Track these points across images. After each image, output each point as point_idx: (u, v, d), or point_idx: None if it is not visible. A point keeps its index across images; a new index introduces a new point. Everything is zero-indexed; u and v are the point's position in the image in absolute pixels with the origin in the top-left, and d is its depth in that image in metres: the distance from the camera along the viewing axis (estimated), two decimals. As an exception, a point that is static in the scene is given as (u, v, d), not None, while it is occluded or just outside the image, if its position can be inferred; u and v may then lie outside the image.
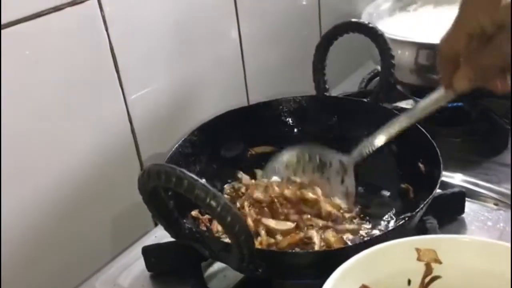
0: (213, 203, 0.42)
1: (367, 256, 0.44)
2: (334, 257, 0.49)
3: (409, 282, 0.45)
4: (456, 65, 0.53)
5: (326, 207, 0.60)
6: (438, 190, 0.62)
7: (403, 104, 0.89)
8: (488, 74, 0.51)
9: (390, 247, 0.45)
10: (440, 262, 0.45)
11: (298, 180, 0.64)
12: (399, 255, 0.45)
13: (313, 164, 0.66)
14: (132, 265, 0.64)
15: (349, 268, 0.43)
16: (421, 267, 0.45)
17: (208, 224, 0.61)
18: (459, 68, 0.53)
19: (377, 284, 0.44)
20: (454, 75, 0.53)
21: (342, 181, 0.64)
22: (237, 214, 0.43)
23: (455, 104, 0.82)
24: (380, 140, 0.61)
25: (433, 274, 0.45)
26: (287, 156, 0.67)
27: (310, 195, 0.60)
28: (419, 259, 0.45)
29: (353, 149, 0.63)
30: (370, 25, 0.67)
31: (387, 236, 0.49)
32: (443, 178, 0.69)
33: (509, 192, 0.67)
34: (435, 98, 0.58)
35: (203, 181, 0.42)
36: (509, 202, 0.66)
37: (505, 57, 0.48)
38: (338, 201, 0.62)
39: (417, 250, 0.45)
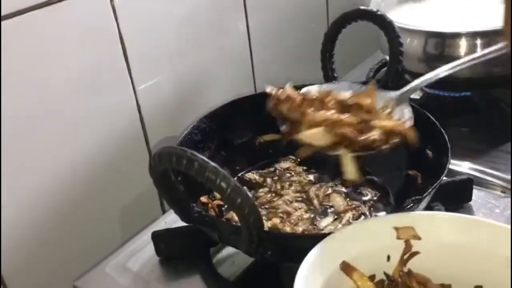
0: (224, 184, 0.42)
1: (346, 233, 0.46)
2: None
3: (388, 258, 0.46)
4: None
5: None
6: (446, 178, 0.62)
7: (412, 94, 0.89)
8: None
9: (368, 224, 0.47)
10: (419, 238, 0.46)
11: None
12: (377, 232, 0.46)
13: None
14: (142, 250, 0.64)
15: (327, 246, 0.44)
16: (400, 244, 0.46)
17: (217, 210, 0.62)
18: None
19: (356, 260, 0.45)
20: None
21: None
22: (247, 196, 0.43)
23: (463, 94, 0.82)
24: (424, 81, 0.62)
25: (412, 250, 0.46)
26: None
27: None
28: (398, 237, 0.46)
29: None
30: (379, 12, 0.67)
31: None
32: (451, 166, 0.69)
33: (517, 180, 0.68)
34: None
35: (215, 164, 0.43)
36: (517, 190, 0.67)
37: None
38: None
39: (396, 229, 0.46)
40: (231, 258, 0.62)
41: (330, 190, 0.66)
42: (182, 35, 0.74)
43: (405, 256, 0.46)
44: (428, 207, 0.59)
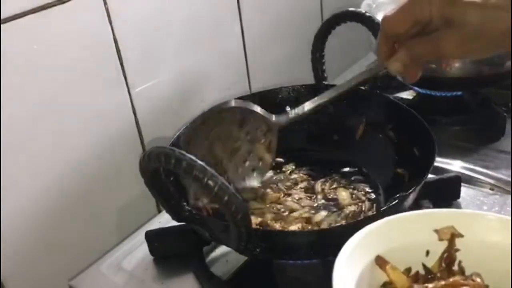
0: (211, 183, 0.43)
1: (383, 226, 0.45)
2: (331, 236, 0.50)
3: (427, 253, 0.46)
4: (393, 45, 0.52)
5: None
6: (434, 176, 0.63)
7: (403, 94, 0.90)
8: (414, 63, 0.51)
9: (406, 218, 0.46)
10: (461, 236, 0.45)
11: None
12: (417, 226, 0.45)
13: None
14: (136, 250, 0.65)
15: (363, 238, 0.43)
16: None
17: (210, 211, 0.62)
18: (394, 48, 0.51)
19: (392, 253, 0.44)
20: (390, 56, 0.51)
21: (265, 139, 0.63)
22: (234, 193, 0.44)
23: (454, 93, 0.83)
24: (308, 107, 0.60)
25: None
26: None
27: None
28: (440, 238, 0.45)
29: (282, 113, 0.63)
30: (367, 14, 0.68)
31: (379, 215, 0.50)
32: (442, 165, 0.71)
33: (505, 177, 0.69)
34: (368, 71, 0.57)
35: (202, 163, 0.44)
36: (506, 188, 0.67)
37: (438, 53, 0.48)
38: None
39: (436, 231, 0.45)
40: (224, 257, 0.63)
41: (335, 184, 0.67)
42: (176, 38, 0.75)
43: (445, 255, 0.46)
44: (416, 204, 0.60)
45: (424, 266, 0.46)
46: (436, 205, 0.62)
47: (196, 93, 0.81)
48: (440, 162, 0.71)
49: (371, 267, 0.44)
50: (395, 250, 0.45)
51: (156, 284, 0.60)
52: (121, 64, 0.68)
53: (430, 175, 0.57)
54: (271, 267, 0.61)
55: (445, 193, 0.64)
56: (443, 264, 0.46)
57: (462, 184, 0.66)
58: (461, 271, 0.46)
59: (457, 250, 0.46)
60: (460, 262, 0.46)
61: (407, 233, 0.45)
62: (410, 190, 0.52)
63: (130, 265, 0.63)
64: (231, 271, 0.62)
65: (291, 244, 0.52)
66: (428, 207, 0.61)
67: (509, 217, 0.46)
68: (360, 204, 0.63)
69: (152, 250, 0.63)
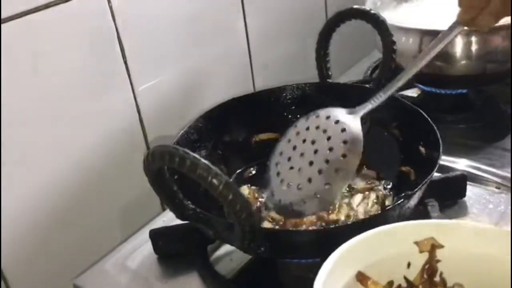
0: (215, 181, 0.43)
1: (365, 239, 0.44)
2: (335, 235, 0.50)
3: (408, 265, 0.46)
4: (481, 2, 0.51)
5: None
6: (440, 174, 0.63)
7: (408, 92, 0.90)
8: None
9: (388, 230, 0.45)
10: (442, 246, 0.45)
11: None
12: (397, 238, 0.45)
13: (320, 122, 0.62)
14: (140, 248, 0.65)
15: (345, 252, 0.43)
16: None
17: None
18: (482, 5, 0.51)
19: (375, 266, 0.44)
20: (480, 12, 0.51)
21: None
22: (239, 192, 0.44)
23: (459, 91, 0.83)
24: (386, 93, 0.60)
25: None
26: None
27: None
28: (421, 250, 0.45)
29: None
30: (372, 11, 0.67)
31: (386, 214, 0.50)
32: (447, 163, 0.70)
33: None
34: (447, 31, 0.57)
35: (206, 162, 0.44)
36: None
37: None
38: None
39: (416, 243, 0.45)
40: (228, 256, 0.63)
41: None
42: (180, 36, 0.75)
43: (427, 266, 0.46)
44: (422, 203, 0.60)
45: (406, 279, 0.46)
46: (441, 204, 0.61)
47: (200, 91, 0.81)
48: (445, 160, 0.70)
49: (353, 283, 0.43)
50: (376, 263, 0.45)
51: (160, 283, 0.60)
52: (125, 62, 0.68)
53: (435, 174, 0.56)
54: (275, 266, 0.61)
55: (451, 191, 0.64)
56: (425, 276, 0.46)
57: (468, 182, 0.65)
58: (443, 282, 0.46)
59: (438, 261, 0.45)
60: (441, 273, 0.46)
61: (388, 246, 0.45)
62: (416, 189, 0.51)
63: (134, 264, 0.63)
64: (235, 269, 0.61)
65: (296, 243, 0.52)
66: (433, 206, 0.61)
67: (489, 226, 0.46)
68: (366, 201, 0.63)
69: (156, 249, 0.63)
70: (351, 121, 0.60)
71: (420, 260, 0.45)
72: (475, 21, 0.52)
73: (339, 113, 0.61)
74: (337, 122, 0.60)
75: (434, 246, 0.45)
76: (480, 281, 0.44)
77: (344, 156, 0.57)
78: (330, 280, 0.41)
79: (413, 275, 0.46)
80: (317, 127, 0.61)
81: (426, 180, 0.52)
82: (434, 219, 0.55)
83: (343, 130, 0.59)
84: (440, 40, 0.59)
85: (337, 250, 0.43)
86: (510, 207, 0.62)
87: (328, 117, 0.61)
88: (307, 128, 0.62)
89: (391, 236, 0.45)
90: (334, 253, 0.43)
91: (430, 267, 0.45)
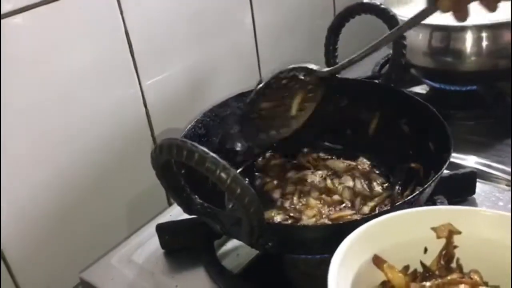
0: (223, 175, 0.43)
1: (382, 222, 0.44)
2: (343, 231, 0.49)
3: (425, 250, 0.46)
4: None
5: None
6: (449, 171, 0.62)
7: (417, 89, 0.89)
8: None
9: (406, 215, 0.45)
10: (459, 233, 0.45)
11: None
12: (414, 223, 0.45)
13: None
14: (147, 243, 0.65)
15: (359, 236, 0.43)
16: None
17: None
18: None
19: (391, 250, 0.44)
20: None
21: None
22: (247, 186, 0.43)
23: (469, 87, 0.82)
24: (358, 56, 0.62)
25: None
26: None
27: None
28: (438, 236, 0.45)
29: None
30: (382, 6, 0.67)
31: (395, 209, 0.49)
32: (456, 160, 0.70)
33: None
34: (418, 14, 0.57)
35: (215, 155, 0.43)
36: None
37: None
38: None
39: (434, 229, 0.45)
40: (235, 251, 0.63)
41: None
42: (188, 31, 0.75)
43: (444, 252, 0.45)
44: (431, 200, 0.59)
45: (422, 263, 0.46)
46: (451, 201, 0.61)
47: (206, 86, 0.81)
48: (454, 157, 0.70)
49: (369, 266, 0.43)
50: (393, 248, 0.44)
51: (166, 277, 0.60)
52: (133, 57, 0.68)
53: (445, 171, 0.56)
54: (282, 262, 0.61)
55: (460, 189, 0.63)
56: (442, 262, 0.45)
57: (478, 180, 0.64)
58: (459, 268, 0.45)
59: (455, 247, 0.45)
60: (458, 259, 0.46)
61: (405, 231, 0.45)
62: (426, 185, 0.51)
63: (141, 258, 0.63)
64: (241, 265, 0.61)
65: (304, 238, 0.51)
66: (442, 203, 0.60)
67: (507, 213, 0.45)
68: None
69: (162, 243, 0.63)
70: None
71: (437, 245, 0.45)
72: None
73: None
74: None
75: (451, 232, 0.45)
76: (496, 268, 0.44)
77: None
78: (346, 263, 0.41)
79: (430, 260, 0.46)
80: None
81: (437, 175, 0.52)
82: (451, 206, 0.55)
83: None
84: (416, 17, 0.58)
85: (355, 231, 0.43)
86: (510, 205, 0.62)
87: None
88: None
89: (408, 221, 0.45)
90: (351, 234, 0.43)
91: (447, 253, 0.45)
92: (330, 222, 0.57)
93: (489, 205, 0.63)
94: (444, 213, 0.46)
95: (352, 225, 0.50)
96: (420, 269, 0.46)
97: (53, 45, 0.59)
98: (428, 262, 0.46)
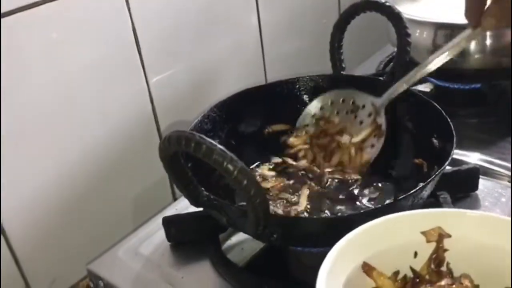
0: (230, 167, 0.43)
1: (370, 228, 0.44)
2: (347, 224, 0.50)
3: (415, 254, 0.45)
4: (484, 2, 0.53)
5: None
6: (452, 167, 0.63)
7: (421, 87, 0.89)
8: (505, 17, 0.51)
9: (394, 219, 0.45)
10: (449, 236, 0.45)
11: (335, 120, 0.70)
12: (404, 227, 0.45)
13: (347, 107, 0.69)
14: (153, 236, 0.66)
15: (350, 242, 0.43)
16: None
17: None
18: (485, 5, 0.52)
19: (381, 256, 0.44)
20: (482, 13, 0.52)
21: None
22: (254, 178, 0.44)
23: (472, 85, 0.83)
24: (407, 83, 0.63)
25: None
26: (322, 98, 0.71)
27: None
28: (428, 240, 0.45)
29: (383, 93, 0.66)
30: (387, 3, 0.67)
31: (398, 204, 0.50)
32: (460, 157, 0.70)
33: (523, 169, 0.68)
34: (459, 40, 0.58)
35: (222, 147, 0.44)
36: (524, 180, 0.67)
37: None
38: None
39: (423, 233, 0.45)
40: (239, 245, 0.63)
41: None
42: (194, 29, 0.75)
43: (434, 256, 0.45)
44: (434, 196, 0.60)
45: (412, 269, 0.45)
46: (453, 197, 0.61)
47: (212, 84, 0.81)
48: (457, 154, 0.70)
49: (358, 273, 0.43)
50: (382, 253, 0.44)
51: (172, 270, 0.61)
52: (139, 54, 0.69)
53: (447, 167, 0.56)
54: (286, 255, 0.61)
55: (463, 184, 0.64)
56: (432, 266, 0.45)
57: (480, 176, 0.65)
58: (450, 273, 0.45)
59: (445, 250, 0.45)
60: (448, 263, 0.45)
61: (394, 236, 0.45)
62: (430, 179, 0.51)
63: (147, 251, 0.64)
64: (246, 258, 0.62)
65: (309, 230, 0.52)
66: (445, 199, 0.61)
67: (496, 215, 0.45)
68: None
69: (168, 236, 0.63)
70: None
71: (427, 250, 0.45)
72: (479, 22, 0.54)
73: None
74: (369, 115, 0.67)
75: (441, 236, 0.45)
76: (487, 271, 0.44)
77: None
78: (335, 270, 0.41)
79: (420, 265, 0.45)
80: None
81: (439, 170, 0.52)
82: (440, 208, 0.55)
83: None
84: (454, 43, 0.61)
85: (342, 239, 0.43)
86: (510, 202, 0.62)
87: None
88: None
89: (397, 226, 0.45)
90: (338, 242, 0.43)
91: (437, 257, 0.45)
92: (332, 215, 0.58)
93: (491, 201, 0.64)
94: (433, 216, 0.45)
95: (356, 218, 0.51)
96: (410, 275, 0.45)
97: (60, 42, 0.60)
98: (418, 267, 0.45)
